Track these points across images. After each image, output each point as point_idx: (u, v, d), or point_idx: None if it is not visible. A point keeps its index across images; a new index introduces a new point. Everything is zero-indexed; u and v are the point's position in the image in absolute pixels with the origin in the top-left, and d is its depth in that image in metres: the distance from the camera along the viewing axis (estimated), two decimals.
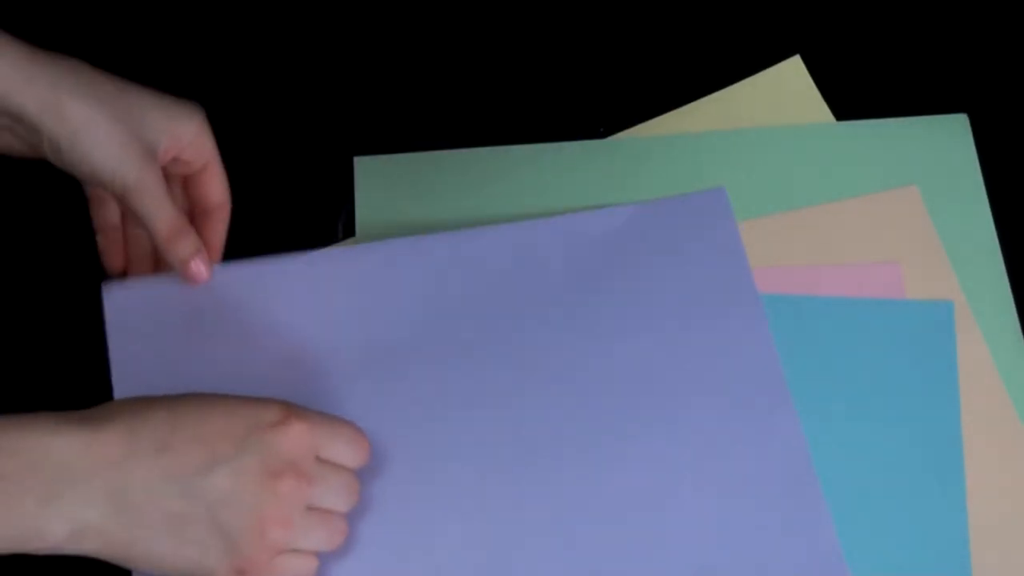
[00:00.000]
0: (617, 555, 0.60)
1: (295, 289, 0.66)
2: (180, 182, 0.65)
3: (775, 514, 0.61)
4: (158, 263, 0.66)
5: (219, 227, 0.65)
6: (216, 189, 0.65)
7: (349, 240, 0.70)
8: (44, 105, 0.58)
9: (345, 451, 0.57)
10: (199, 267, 0.63)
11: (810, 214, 0.70)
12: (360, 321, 0.65)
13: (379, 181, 0.72)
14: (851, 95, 0.73)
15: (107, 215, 0.66)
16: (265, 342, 0.64)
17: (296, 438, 0.55)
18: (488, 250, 0.67)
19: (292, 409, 0.56)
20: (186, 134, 0.62)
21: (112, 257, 0.66)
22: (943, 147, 0.71)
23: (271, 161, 0.73)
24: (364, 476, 0.59)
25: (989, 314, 0.67)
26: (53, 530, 0.50)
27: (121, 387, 0.62)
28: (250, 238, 0.68)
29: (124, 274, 0.66)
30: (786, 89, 0.73)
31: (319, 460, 0.56)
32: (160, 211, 0.61)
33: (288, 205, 0.72)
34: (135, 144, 0.60)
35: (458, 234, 0.67)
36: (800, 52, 0.74)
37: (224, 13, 0.77)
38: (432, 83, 0.75)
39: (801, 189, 0.70)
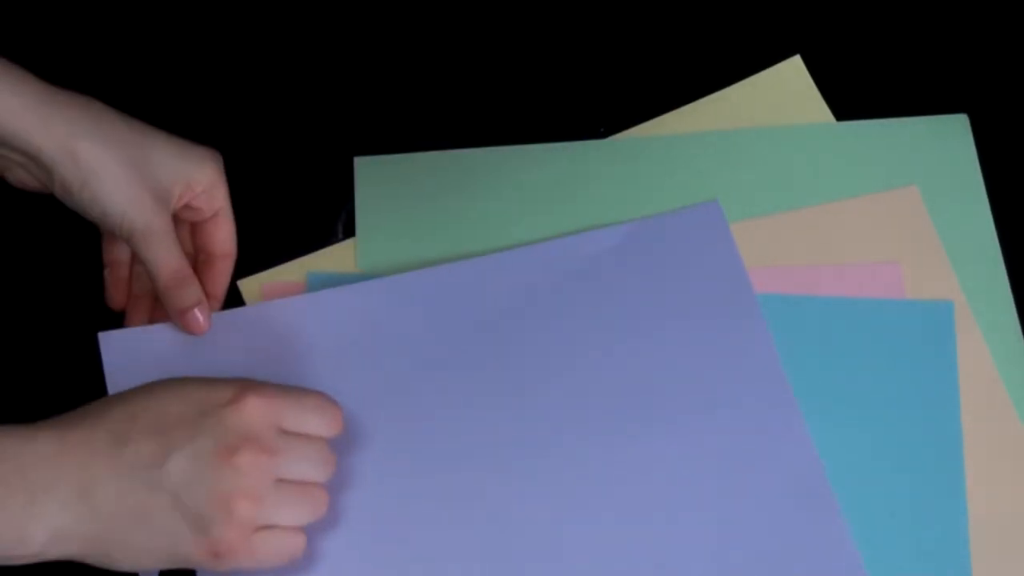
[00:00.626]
0: (622, 561, 0.60)
1: (293, 330, 0.65)
2: (189, 227, 0.66)
3: (786, 521, 0.61)
4: (159, 304, 0.65)
5: (222, 276, 0.66)
6: (223, 239, 0.65)
7: (348, 240, 0.70)
8: (59, 148, 0.58)
9: (313, 420, 0.57)
10: (198, 317, 0.63)
11: (810, 214, 0.70)
12: (362, 356, 0.65)
13: (379, 181, 0.72)
14: (851, 95, 0.73)
15: (117, 252, 0.66)
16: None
17: (251, 412, 0.54)
18: (489, 278, 0.67)
19: (247, 385, 0.55)
20: (200, 183, 0.63)
21: (115, 293, 0.66)
22: (943, 147, 0.71)
23: (271, 161, 0.73)
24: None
25: (989, 314, 0.67)
26: (34, 537, 0.51)
27: None
28: (250, 238, 0.68)
29: (123, 311, 0.66)
30: (786, 89, 0.73)
31: (285, 432, 0.56)
32: (164, 259, 0.62)
33: (288, 205, 0.72)
34: (146, 190, 0.60)
35: (456, 265, 0.67)
36: (800, 52, 0.74)
37: (224, 13, 0.77)
38: (432, 83, 0.75)
39: (801, 189, 0.70)
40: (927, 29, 0.75)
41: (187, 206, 0.63)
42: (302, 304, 0.66)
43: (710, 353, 0.65)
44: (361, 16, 0.77)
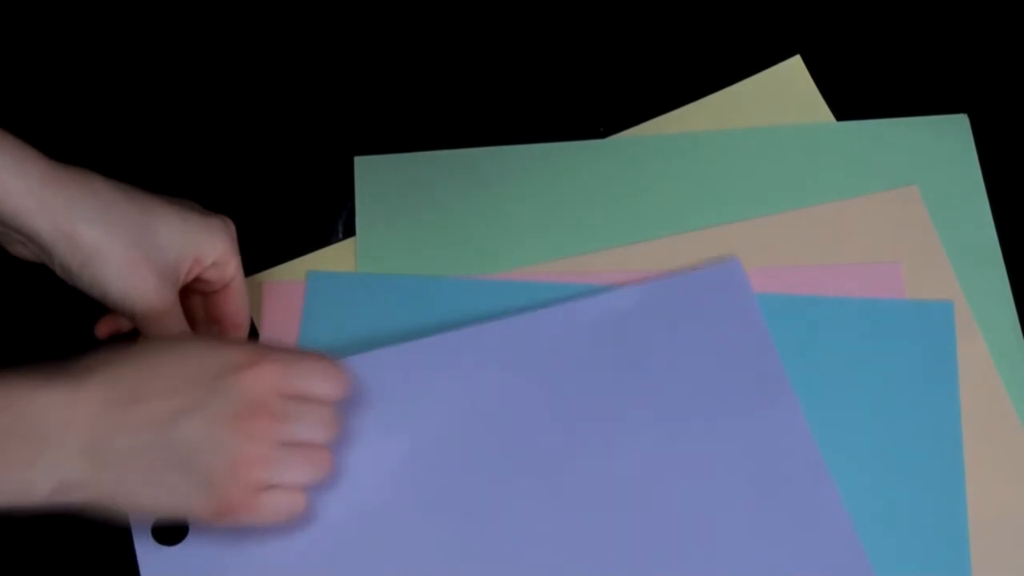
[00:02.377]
0: None
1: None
2: (201, 297, 0.65)
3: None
4: None
5: None
6: (234, 310, 0.64)
7: (348, 240, 0.70)
8: (57, 231, 0.57)
9: (320, 385, 0.58)
10: None
11: (810, 214, 0.70)
12: (381, 427, 0.64)
13: (379, 181, 0.72)
14: (851, 95, 0.73)
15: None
16: None
17: (266, 378, 0.55)
18: (511, 340, 0.66)
19: (260, 350, 0.57)
20: (209, 256, 0.61)
21: (105, 325, 0.65)
22: (943, 147, 0.71)
23: (271, 161, 0.73)
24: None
25: (989, 314, 0.67)
26: (39, 487, 0.52)
27: None
28: (250, 238, 0.68)
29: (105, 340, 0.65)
30: (786, 89, 0.73)
31: (294, 396, 0.57)
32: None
33: (288, 205, 0.72)
34: (149, 270, 0.59)
35: (472, 330, 0.66)
36: (800, 52, 0.74)
37: (225, 13, 0.77)
38: (432, 83, 0.75)
39: (801, 189, 0.70)
40: (927, 29, 0.75)
41: (198, 279, 0.63)
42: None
43: (734, 414, 0.64)
44: (361, 16, 0.77)
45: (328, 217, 0.71)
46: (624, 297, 0.67)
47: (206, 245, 0.61)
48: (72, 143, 0.71)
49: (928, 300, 0.67)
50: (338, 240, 0.71)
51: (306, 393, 0.57)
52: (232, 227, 0.63)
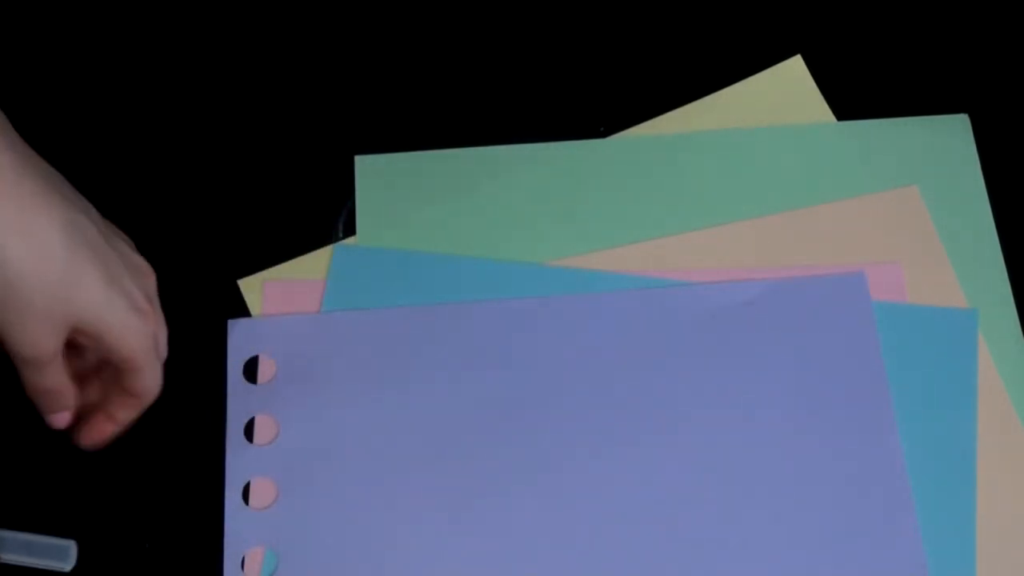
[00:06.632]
0: None
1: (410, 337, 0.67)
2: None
3: None
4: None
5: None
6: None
7: (349, 239, 0.70)
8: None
9: None
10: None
11: (810, 214, 0.70)
12: (468, 371, 0.65)
13: (379, 180, 0.72)
14: (852, 95, 0.73)
15: None
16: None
17: None
18: (612, 312, 0.66)
19: None
20: (113, 346, 0.56)
21: None
22: (944, 147, 0.71)
23: (271, 161, 0.73)
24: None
25: (989, 315, 0.67)
26: None
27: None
28: (250, 238, 0.68)
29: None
30: (786, 89, 0.73)
31: None
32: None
33: (288, 205, 0.72)
34: (56, 323, 0.53)
35: (568, 298, 0.67)
36: (801, 52, 0.74)
37: (224, 12, 0.77)
38: (432, 83, 0.75)
39: (801, 189, 0.70)
40: (927, 29, 0.75)
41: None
42: (419, 314, 0.67)
43: (827, 423, 0.63)
44: (361, 16, 0.77)
45: (328, 216, 0.71)
46: (738, 290, 0.67)
47: (115, 334, 0.55)
48: (70, 143, 0.71)
49: (953, 308, 0.67)
50: (338, 239, 0.71)
51: None
52: (149, 326, 0.57)
